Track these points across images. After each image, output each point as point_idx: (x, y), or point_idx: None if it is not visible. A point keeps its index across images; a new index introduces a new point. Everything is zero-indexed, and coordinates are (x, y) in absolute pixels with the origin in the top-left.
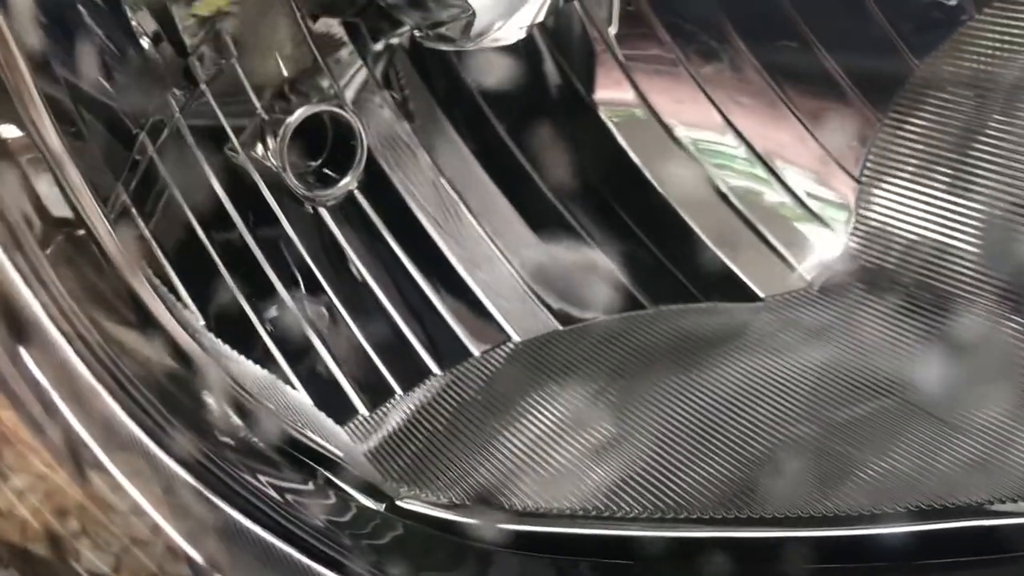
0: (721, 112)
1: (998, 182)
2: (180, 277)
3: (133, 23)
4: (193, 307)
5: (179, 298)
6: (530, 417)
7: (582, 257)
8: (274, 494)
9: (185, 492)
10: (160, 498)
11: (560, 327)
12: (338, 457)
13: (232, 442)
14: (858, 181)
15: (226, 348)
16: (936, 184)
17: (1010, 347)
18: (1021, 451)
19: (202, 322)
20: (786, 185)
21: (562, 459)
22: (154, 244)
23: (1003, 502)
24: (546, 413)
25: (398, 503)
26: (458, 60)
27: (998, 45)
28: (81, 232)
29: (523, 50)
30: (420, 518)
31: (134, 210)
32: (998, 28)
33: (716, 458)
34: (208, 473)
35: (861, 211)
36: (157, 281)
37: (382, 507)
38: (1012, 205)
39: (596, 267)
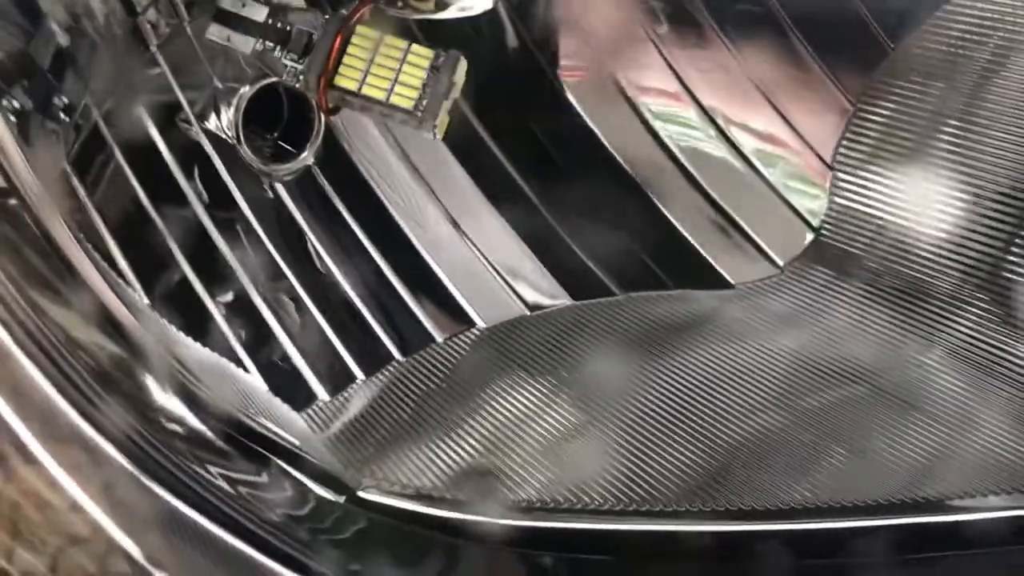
0: (691, 93)
1: (965, 168)
2: (124, 254)
3: None
4: (138, 286)
5: (122, 276)
6: (495, 405)
7: (549, 241)
8: (225, 486)
9: (127, 483)
10: (100, 492)
11: (527, 312)
12: (295, 446)
13: (180, 430)
14: (831, 167)
15: (173, 330)
16: (905, 169)
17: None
18: (984, 434)
19: (147, 302)
20: (758, 171)
21: (529, 448)
22: (97, 218)
23: (972, 496)
24: (512, 401)
25: (360, 494)
26: (420, 30)
27: (971, 29)
28: (14, 203)
29: (487, 21)
30: (384, 509)
31: (75, 180)
32: (973, 12)
33: (684, 447)
34: (152, 462)
35: (834, 197)
36: (99, 257)
37: (343, 499)
38: (977, 191)
39: (564, 251)
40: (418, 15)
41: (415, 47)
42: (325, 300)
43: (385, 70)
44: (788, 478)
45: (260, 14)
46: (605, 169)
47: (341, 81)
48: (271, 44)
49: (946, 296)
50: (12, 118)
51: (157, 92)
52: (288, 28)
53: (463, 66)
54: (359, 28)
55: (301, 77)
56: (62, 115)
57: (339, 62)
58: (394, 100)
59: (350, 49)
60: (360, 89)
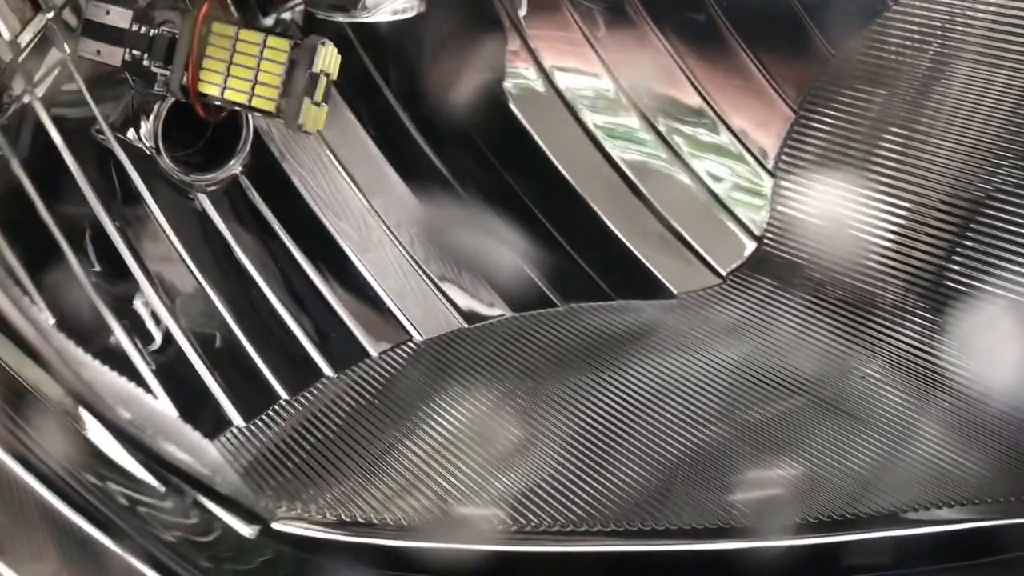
0: (632, 100)
1: (907, 175)
2: (28, 270)
3: None
4: (42, 304)
5: (26, 293)
6: (431, 423)
7: (489, 250)
8: (125, 503)
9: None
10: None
11: (465, 325)
12: (204, 476)
13: (82, 451)
14: (773, 174)
15: (79, 351)
16: (847, 178)
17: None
18: (926, 446)
19: (52, 321)
20: (699, 178)
21: (465, 469)
22: None
23: (916, 509)
24: (449, 419)
25: (274, 525)
26: (353, 33)
27: (911, 36)
28: None
29: (421, 23)
30: (295, 541)
31: None
32: (913, 18)
33: (625, 464)
34: (56, 477)
35: (776, 205)
36: (2, 273)
37: (256, 530)
38: (919, 199)
39: (504, 261)
40: (347, 18)
41: (271, 39)
42: (248, 315)
43: (244, 70)
44: (730, 495)
45: (124, 20)
46: (546, 178)
47: (205, 87)
48: (138, 53)
49: (890, 306)
50: None
51: (68, 103)
52: (151, 33)
53: (326, 53)
54: (215, 26)
55: (168, 85)
56: None
57: (199, 66)
58: (256, 103)
59: (209, 50)
60: (223, 94)
